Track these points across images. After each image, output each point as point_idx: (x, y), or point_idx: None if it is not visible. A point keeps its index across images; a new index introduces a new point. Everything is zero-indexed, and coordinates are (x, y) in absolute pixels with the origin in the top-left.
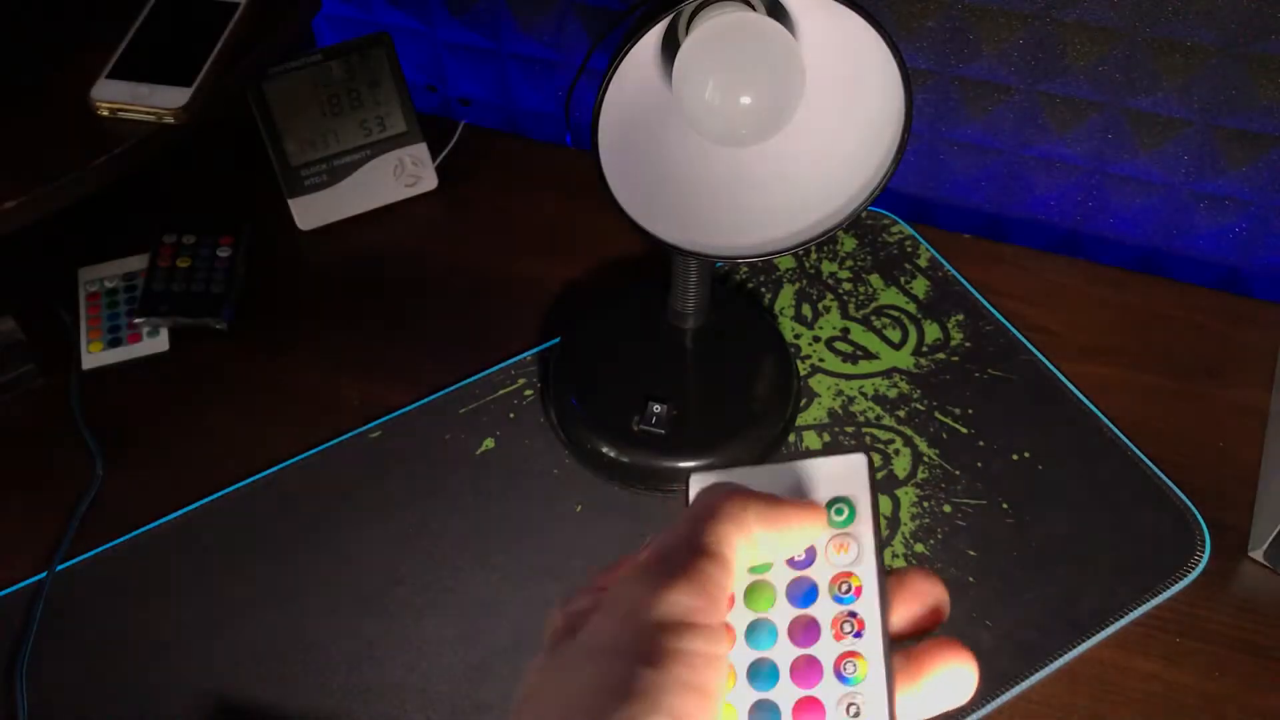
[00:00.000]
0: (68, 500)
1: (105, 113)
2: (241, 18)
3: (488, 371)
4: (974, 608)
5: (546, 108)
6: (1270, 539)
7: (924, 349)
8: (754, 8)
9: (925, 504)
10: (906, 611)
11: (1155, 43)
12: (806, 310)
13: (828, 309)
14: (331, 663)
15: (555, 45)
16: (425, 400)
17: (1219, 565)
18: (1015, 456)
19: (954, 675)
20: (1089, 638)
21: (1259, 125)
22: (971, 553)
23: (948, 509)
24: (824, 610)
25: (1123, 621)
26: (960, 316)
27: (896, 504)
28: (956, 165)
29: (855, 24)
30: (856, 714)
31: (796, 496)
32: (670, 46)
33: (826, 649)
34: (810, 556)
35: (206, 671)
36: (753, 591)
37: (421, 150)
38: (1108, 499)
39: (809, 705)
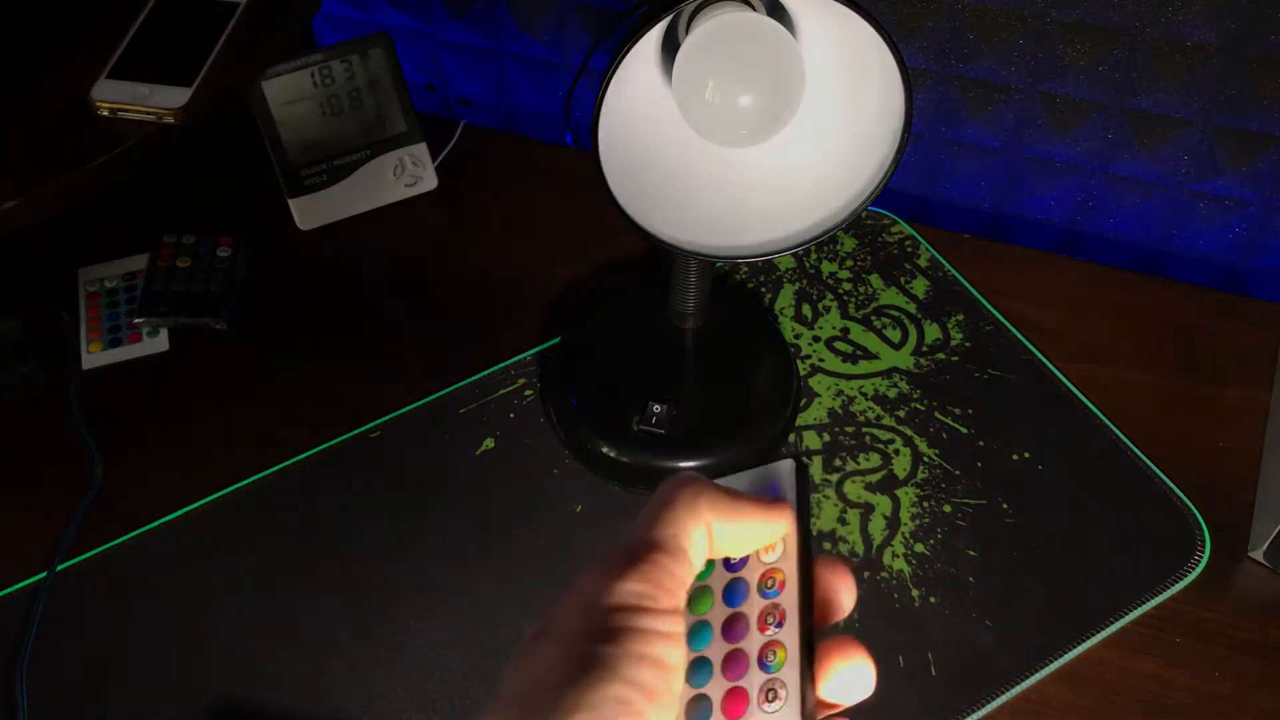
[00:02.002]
0: (68, 500)
1: (105, 113)
2: (241, 18)
3: (488, 371)
4: (974, 608)
5: (546, 108)
6: (1270, 539)
7: (924, 349)
8: (754, 8)
9: (925, 504)
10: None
11: (1155, 43)
12: (806, 310)
13: (828, 309)
14: (331, 662)
15: (555, 45)
16: (425, 400)
17: (1219, 565)
18: (1015, 456)
19: (852, 672)
20: (1089, 638)
21: (1259, 125)
22: (971, 553)
23: (948, 509)
24: (751, 605)
25: (1123, 621)
26: (960, 316)
27: (896, 504)
28: (956, 165)
29: (855, 24)
30: (774, 698)
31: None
32: (670, 46)
33: (752, 641)
34: (744, 558)
35: (206, 671)
36: (694, 597)
37: (421, 150)
38: (1108, 499)
39: (735, 695)
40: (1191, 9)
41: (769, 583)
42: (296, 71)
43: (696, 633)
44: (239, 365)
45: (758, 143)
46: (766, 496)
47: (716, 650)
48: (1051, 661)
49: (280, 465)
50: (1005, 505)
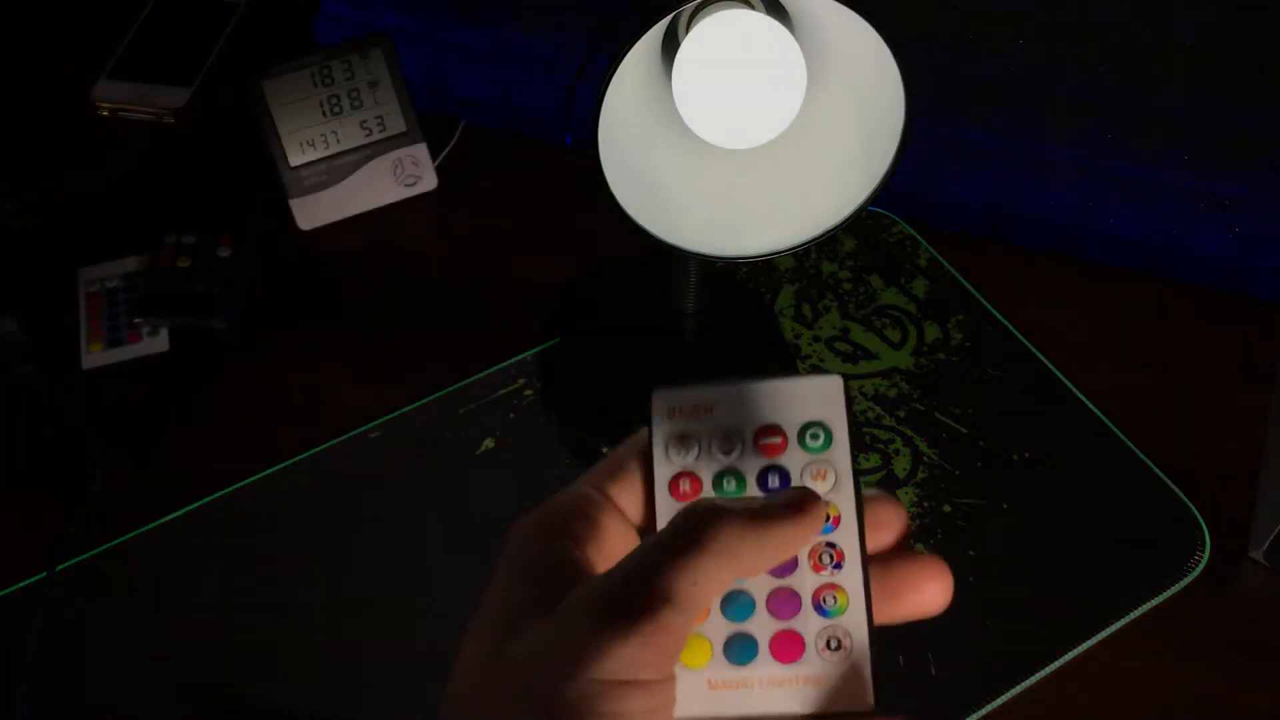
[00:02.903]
0: (68, 500)
1: (105, 113)
2: (241, 18)
3: (488, 371)
4: (974, 608)
5: (546, 108)
6: (1270, 539)
7: (924, 349)
8: (754, 7)
9: (925, 504)
10: (876, 541)
11: (1155, 43)
12: (806, 310)
13: (828, 309)
14: (331, 663)
15: (555, 45)
16: (425, 400)
17: (1219, 565)
18: (1015, 456)
19: (930, 588)
20: (1089, 638)
21: (1259, 125)
22: (971, 553)
23: (948, 509)
24: None
25: (1122, 621)
26: (960, 316)
27: None
28: (956, 165)
29: (855, 24)
30: (837, 647)
31: (769, 419)
32: (670, 46)
33: (805, 580)
34: (785, 482)
35: (206, 671)
36: None
37: (421, 150)
38: (1108, 499)
39: (787, 639)
40: (1193, 9)
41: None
42: (296, 71)
43: None
44: (239, 365)
45: (757, 143)
46: (790, 497)
47: (759, 585)
48: (1051, 661)
49: (280, 465)
50: (1005, 505)
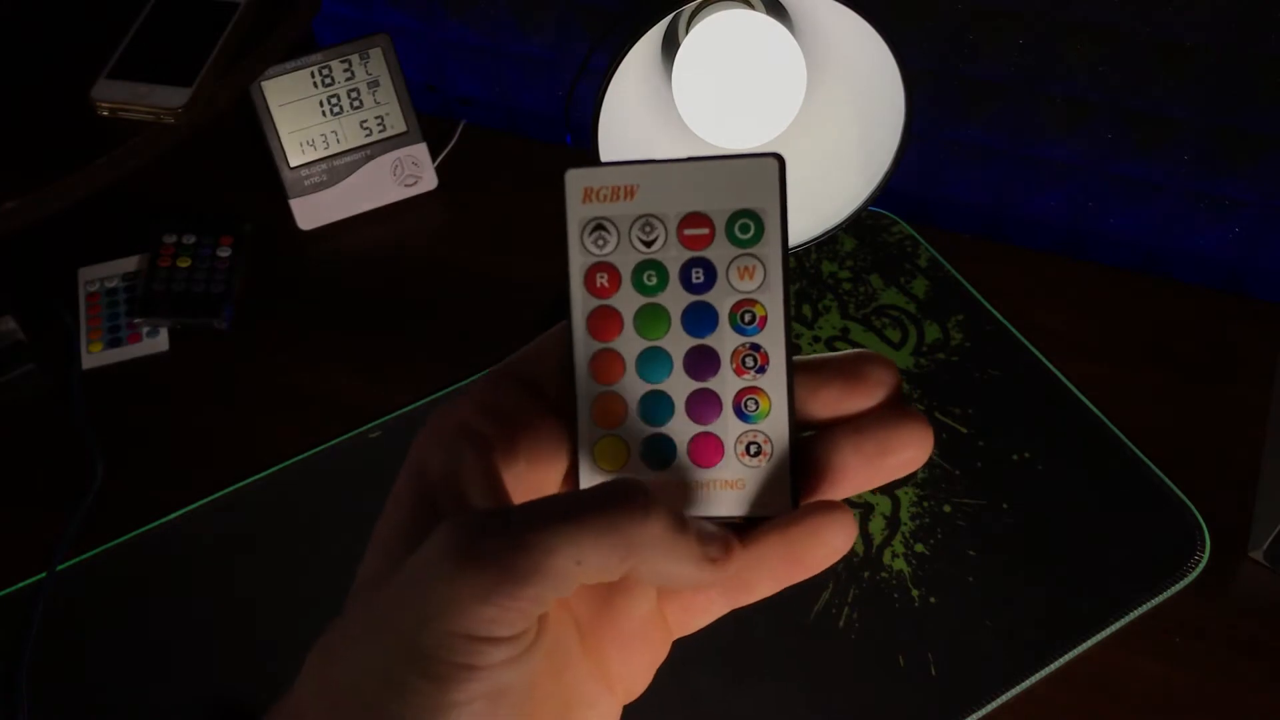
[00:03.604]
0: (68, 500)
1: (105, 113)
2: (241, 18)
3: (487, 371)
4: (974, 608)
5: (546, 108)
6: (1270, 539)
7: (924, 349)
8: (754, 7)
9: (925, 504)
10: (860, 395)
11: (1155, 43)
12: (806, 310)
13: (828, 309)
14: None
15: (555, 45)
16: (425, 400)
17: (1219, 565)
18: (1015, 456)
19: (909, 453)
20: (1089, 638)
21: (1259, 125)
22: (971, 553)
23: (948, 509)
24: (723, 341)
25: (1123, 621)
26: (960, 316)
27: (896, 504)
28: (956, 165)
29: (855, 24)
30: (757, 453)
31: (696, 206)
32: (670, 46)
33: (726, 383)
34: (710, 278)
35: (206, 671)
36: (644, 316)
37: (421, 150)
38: (1108, 499)
39: (706, 442)
40: (1191, 9)
41: (746, 317)
42: (296, 71)
43: (650, 362)
44: (239, 365)
45: (758, 143)
46: (715, 533)
47: (678, 386)
48: (1051, 661)
49: (280, 465)
50: (1005, 505)
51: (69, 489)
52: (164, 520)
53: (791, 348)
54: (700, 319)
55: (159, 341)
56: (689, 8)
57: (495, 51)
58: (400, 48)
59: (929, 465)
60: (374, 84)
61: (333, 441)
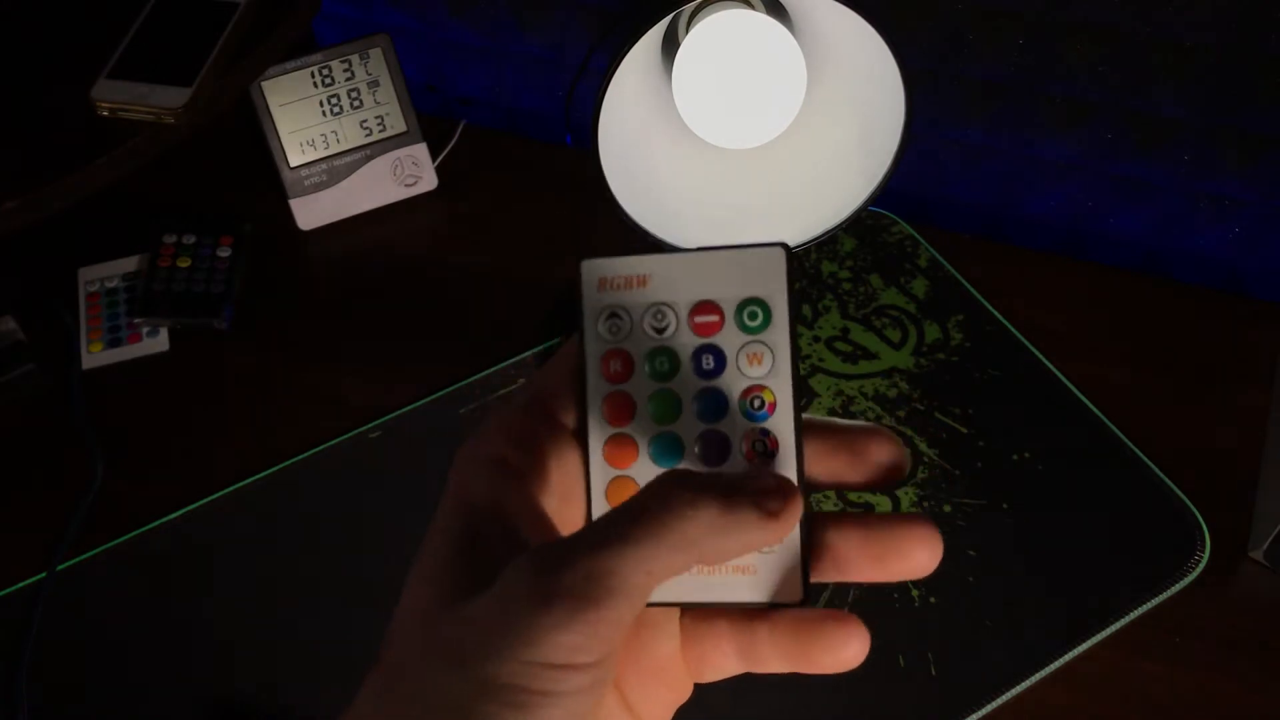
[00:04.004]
0: (68, 500)
1: (105, 113)
2: (241, 18)
3: (488, 371)
4: (974, 608)
5: (546, 108)
6: (1270, 539)
7: (924, 349)
8: (754, 7)
9: (925, 504)
10: (864, 470)
11: (1155, 43)
12: (806, 310)
13: (828, 309)
14: (331, 663)
15: (555, 45)
16: (425, 400)
17: (1219, 565)
18: (1015, 456)
19: (918, 553)
20: (1089, 638)
21: (1259, 125)
22: (971, 553)
23: (948, 509)
24: (734, 426)
25: (1123, 621)
26: (960, 316)
27: (896, 504)
28: (956, 165)
29: (855, 24)
30: (768, 550)
31: (706, 295)
32: (670, 46)
33: (737, 468)
34: (720, 364)
35: (206, 671)
36: (657, 401)
37: (421, 150)
38: (1108, 499)
39: None
40: (1191, 9)
41: (755, 403)
42: (296, 71)
43: (663, 446)
44: (239, 365)
45: (758, 143)
46: (766, 483)
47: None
48: (1051, 661)
49: (280, 465)
50: (1005, 505)
51: (69, 489)
52: (164, 520)
53: (801, 432)
54: (711, 405)
55: (159, 341)
56: (689, 8)
57: (495, 51)
58: (400, 48)
59: (929, 465)
60: (374, 84)
61: (333, 441)
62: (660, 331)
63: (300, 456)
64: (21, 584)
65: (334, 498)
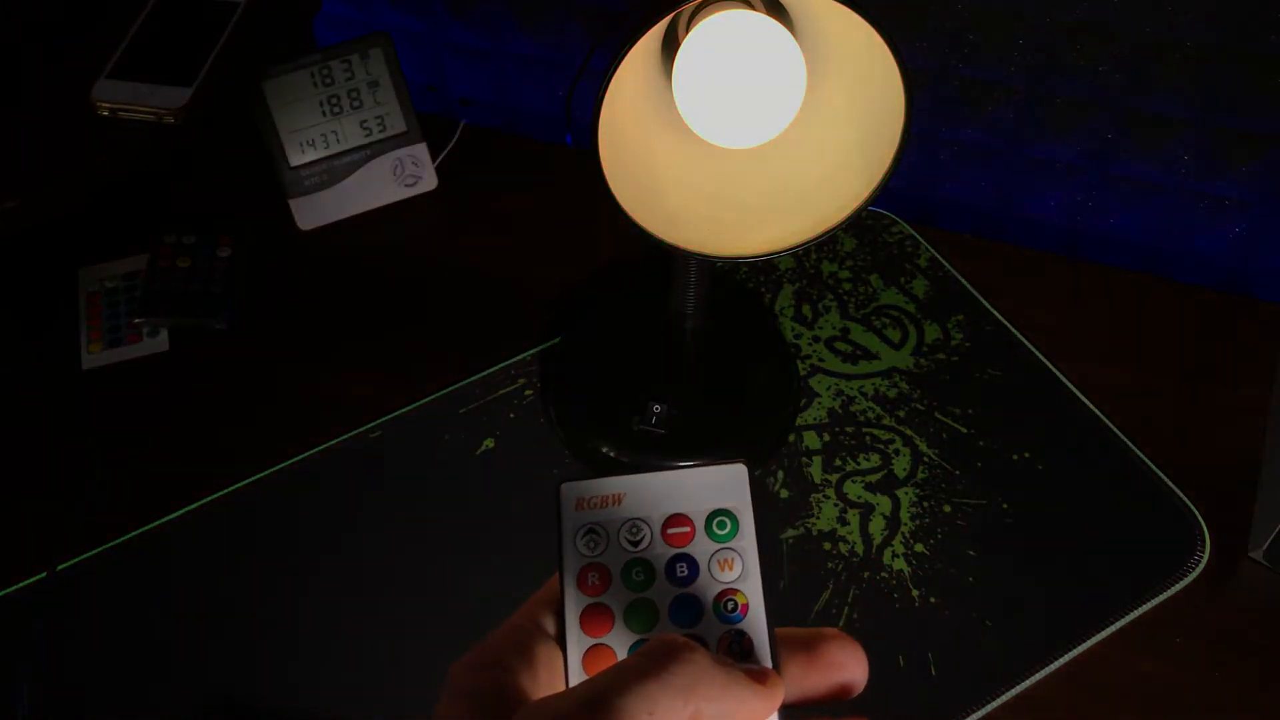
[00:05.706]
0: (68, 500)
1: (105, 113)
2: (241, 18)
3: (488, 371)
4: (974, 608)
5: (546, 108)
6: (1270, 539)
7: (924, 349)
8: (754, 7)
9: (925, 504)
10: (819, 681)
11: (1155, 43)
12: (806, 310)
13: (828, 309)
14: (330, 663)
15: (555, 45)
16: (425, 400)
17: (1219, 565)
18: (1015, 456)
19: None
20: (1089, 638)
21: (1259, 125)
22: (971, 553)
23: (948, 509)
24: (710, 629)
25: (1123, 621)
26: (960, 316)
27: (896, 504)
28: (956, 165)
29: (855, 24)
30: None
31: (676, 509)
32: (670, 46)
33: None
34: (693, 572)
35: (206, 671)
36: (634, 610)
37: (421, 150)
38: (1108, 499)
39: None
40: (1191, 9)
41: (729, 605)
42: (296, 71)
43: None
44: (239, 365)
45: (758, 142)
46: (754, 667)
47: None
48: (1051, 661)
49: (280, 465)
50: (1005, 505)
51: (69, 489)
52: (164, 520)
53: (775, 633)
54: (686, 610)
55: (159, 341)
56: (689, 8)
57: (495, 51)
58: (400, 48)
59: (929, 465)
60: (374, 84)
61: (333, 441)
62: (635, 544)
63: (300, 456)
64: (21, 584)
65: (334, 498)
